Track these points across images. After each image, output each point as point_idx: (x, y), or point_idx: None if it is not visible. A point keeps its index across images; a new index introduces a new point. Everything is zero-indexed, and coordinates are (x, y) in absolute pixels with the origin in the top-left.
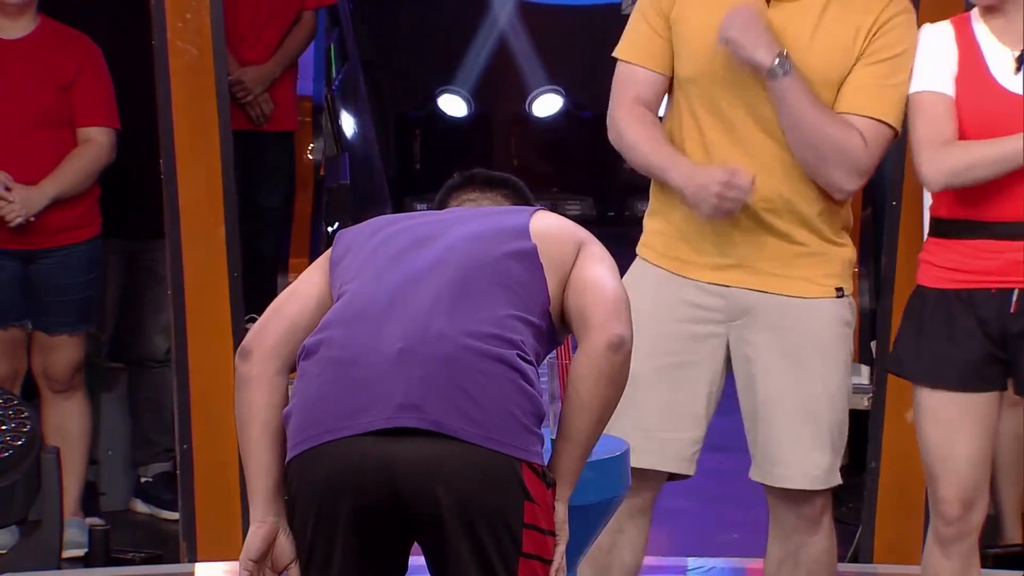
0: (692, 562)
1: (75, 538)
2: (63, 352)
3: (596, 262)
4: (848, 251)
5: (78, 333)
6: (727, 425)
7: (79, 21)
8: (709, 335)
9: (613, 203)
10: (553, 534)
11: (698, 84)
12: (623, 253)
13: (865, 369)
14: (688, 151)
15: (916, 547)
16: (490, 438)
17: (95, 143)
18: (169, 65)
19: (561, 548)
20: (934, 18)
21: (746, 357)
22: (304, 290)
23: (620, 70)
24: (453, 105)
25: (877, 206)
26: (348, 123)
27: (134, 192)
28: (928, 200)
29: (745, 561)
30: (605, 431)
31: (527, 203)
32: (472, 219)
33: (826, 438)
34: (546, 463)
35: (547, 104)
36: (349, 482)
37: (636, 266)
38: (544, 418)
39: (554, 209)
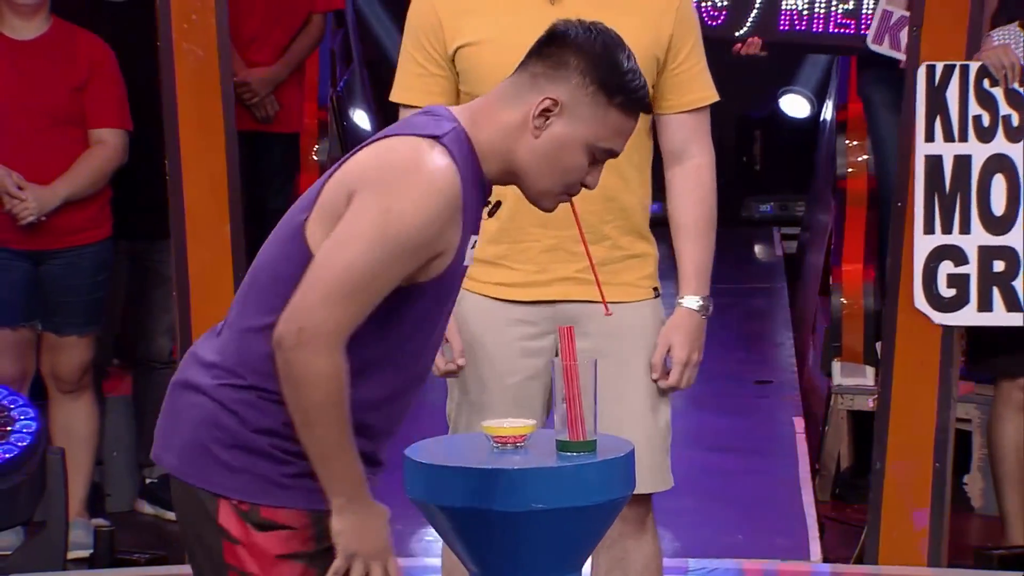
0: (693, 563)
1: (80, 539)
2: (72, 353)
3: (343, 225)
4: (655, 249)
5: (87, 334)
6: (730, 426)
7: (88, 22)
8: (540, 348)
9: (731, 204)
10: None
11: None
12: (744, 256)
13: (870, 370)
14: None
15: (921, 548)
16: (185, 472)
17: (108, 144)
18: (175, 66)
19: (339, 563)
20: (939, 18)
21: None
22: None
23: (402, 115)
24: None
25: (882, 207)
26: (353, 124)
27: (139, 193)
28: None
29: (748, 562)
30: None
31: (563, 67)
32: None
33: (657, 440)
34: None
35: None
36: None
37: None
38: (243, 445)
39: None
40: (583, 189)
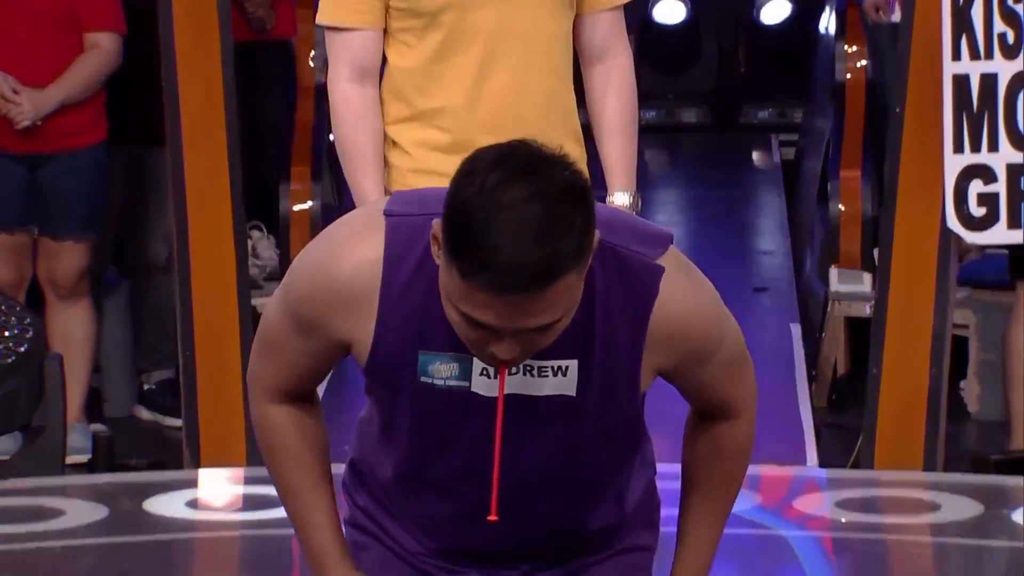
0: None
1: (79, 444)
2: (69, 258)
3: None
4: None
5: (84, 239)
6: None
7: None
8: None
9: (729, 110)
10: None
11: (454, 8)
12: (741, 163)
13: (867, 276)
14: (448, 80)
15: (917, 453)
16: None
17: (102, 48)
18: None
19: None
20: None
21: None
22: None
23: (332, 38)
24: None
25: (880, 112)
26: None
27: (135, 100)
28: None
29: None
30: None
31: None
32: None
33: None
34: None
35: (668, 10)
36: None
37: None
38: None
39: (669, 117)
40: (537, 103)
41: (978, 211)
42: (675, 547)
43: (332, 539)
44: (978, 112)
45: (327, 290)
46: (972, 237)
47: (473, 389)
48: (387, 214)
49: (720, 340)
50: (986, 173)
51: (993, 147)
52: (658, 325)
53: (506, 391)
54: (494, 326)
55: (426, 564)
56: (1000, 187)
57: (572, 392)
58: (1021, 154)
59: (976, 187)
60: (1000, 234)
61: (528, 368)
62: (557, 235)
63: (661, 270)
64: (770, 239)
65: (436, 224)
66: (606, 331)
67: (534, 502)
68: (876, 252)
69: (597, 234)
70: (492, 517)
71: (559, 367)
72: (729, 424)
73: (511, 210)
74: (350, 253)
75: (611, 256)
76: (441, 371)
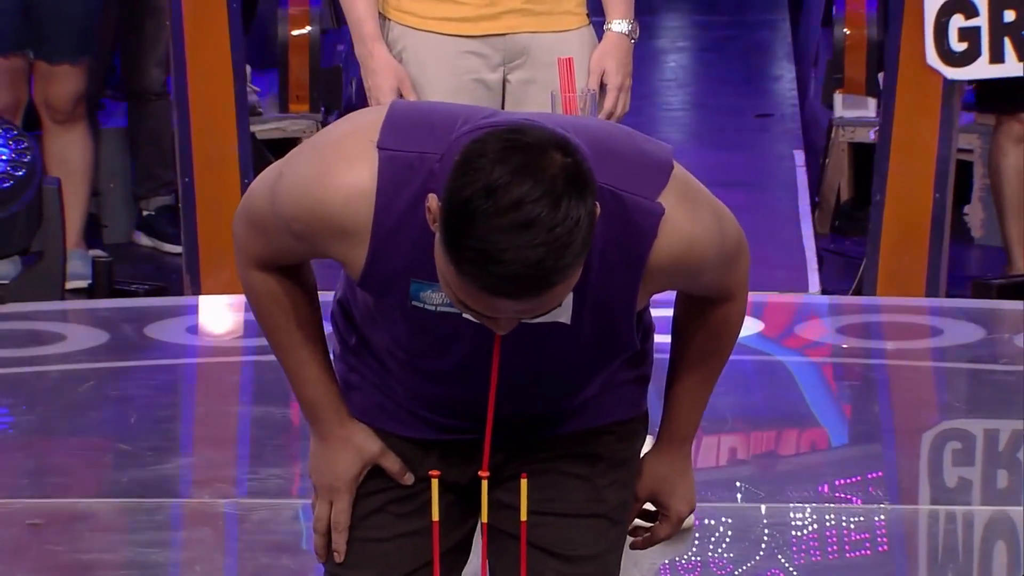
0: None
1: (78, 269)
2: (65, 81)
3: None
4: None
5: (80, 62)
6: (730, 160)
7: None
8: (494, 81)
9: None
10: None
11: None
12: None
13: (872, 102)
14: None
15: (919, 279)
16: None
17: None
18: None
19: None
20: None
21: (531, 97)
22: None
23: None
24: None
25: None
26: None
27: None
28: None
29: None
30: None
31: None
32: None
33: None
34: None
35: None
36: None
37: (400, 35)
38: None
39: None
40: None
41: (959, 46)
42: (663, 414)
43: (326, 391)
44: None
45: (317, 218)
46: (953, 73)
47: (465, 315)
48: (380, 147)
49: (718, 252)
50: (967, 7)
51: None
52: (657, 262)
53: None
54: (490, 315)
55: (415, 407)
56: (982, 21)
57: (566, 320)
58: None
59: (957, 22)
60: (982, 69)
61: None
62: (562, 239)
63: (661, 212)
64: (775, 65)
65: (432, 199)
66: (603, 267)
67: (523, 394)
68: (881, 77)
69: (597, 207)
70: (483, 472)
71: None
72: (723, 306)
73: (514, 213)
74: (341, 183)
75: (610, 199)
76: (433, 298)
